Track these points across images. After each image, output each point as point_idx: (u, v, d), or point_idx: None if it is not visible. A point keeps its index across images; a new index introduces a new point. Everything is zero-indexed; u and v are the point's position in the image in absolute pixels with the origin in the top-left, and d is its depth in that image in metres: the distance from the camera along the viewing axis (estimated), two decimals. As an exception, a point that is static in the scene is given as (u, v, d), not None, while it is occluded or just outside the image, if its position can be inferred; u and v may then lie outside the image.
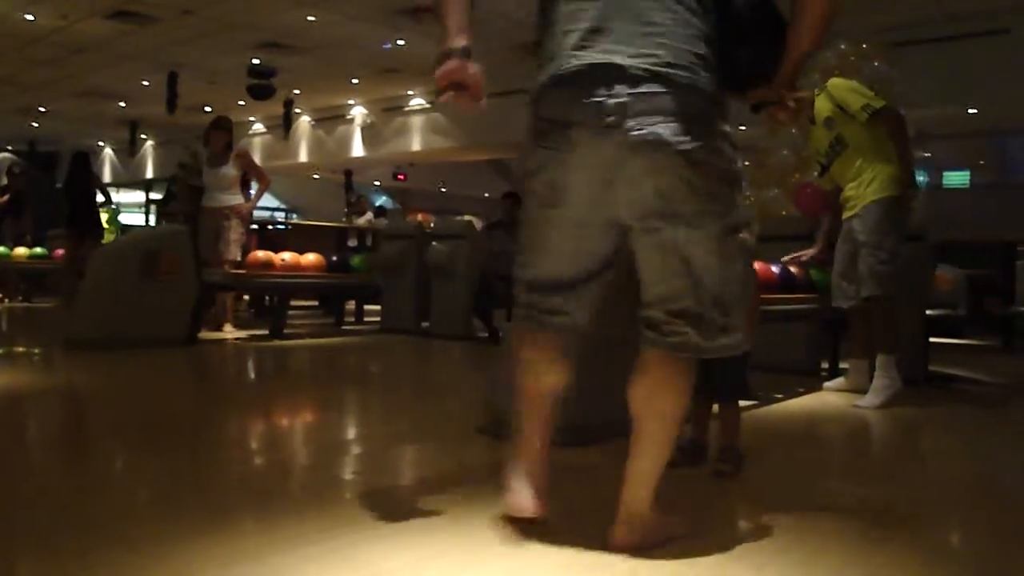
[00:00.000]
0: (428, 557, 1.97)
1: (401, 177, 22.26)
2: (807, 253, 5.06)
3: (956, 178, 16.19)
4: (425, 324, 8.24)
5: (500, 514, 2.23)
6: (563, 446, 3.15)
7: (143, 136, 22.11)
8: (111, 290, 6.16)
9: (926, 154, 12.98)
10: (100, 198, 10.42)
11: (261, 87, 14.96)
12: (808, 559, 2.03)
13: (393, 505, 2.46)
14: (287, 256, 7.37)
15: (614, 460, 3.11)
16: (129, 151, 22.30)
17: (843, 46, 7.13)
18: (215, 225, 7.51)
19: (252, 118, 19.70)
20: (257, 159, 17.83)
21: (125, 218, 22.38)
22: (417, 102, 16.97)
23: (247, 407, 4.39)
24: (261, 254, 7.24)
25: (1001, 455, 3.73)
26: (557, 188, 2.04)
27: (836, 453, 3.77)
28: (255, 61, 14.43)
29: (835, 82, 4.83)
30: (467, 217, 11.67)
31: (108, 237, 11.27)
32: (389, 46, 13.19)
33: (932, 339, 5.74)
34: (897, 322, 4.63)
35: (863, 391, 4.60)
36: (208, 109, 18.20)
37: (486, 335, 7.72)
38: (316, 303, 11.45)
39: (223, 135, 7.76)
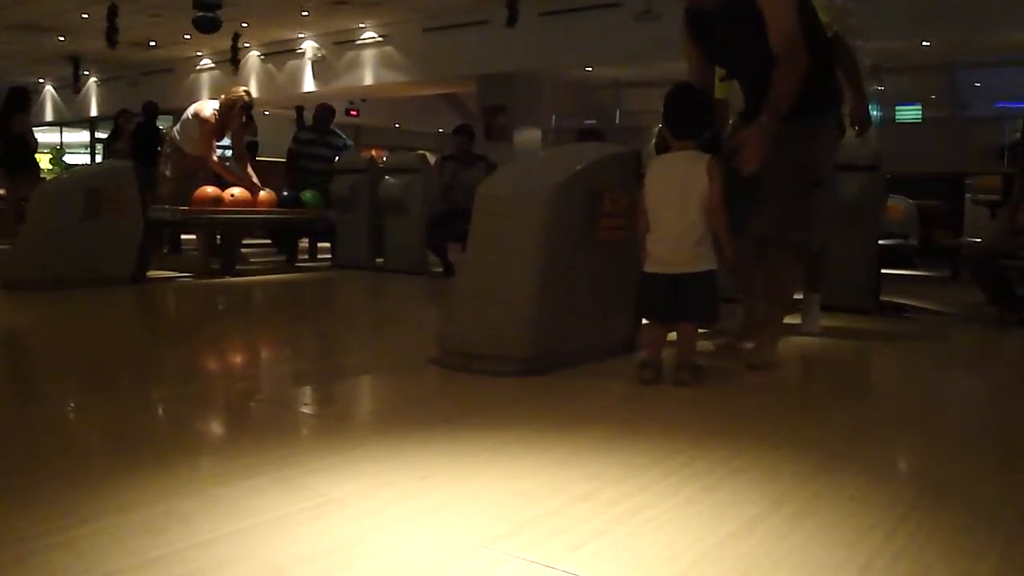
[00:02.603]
0: (376, 485, 1.94)
1: (354, 113, 21.91)
2: None
3: (908, 112, 16.28)
4: (379, 260, 8.16)
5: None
6: (524, 375, 3.16)
7: (86, 72, 21.45)
8: (53, 229, 5.99)
9: (880, 87, 13.02)
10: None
11: (207, 20, 14.50)
12: (762, 479, 2.04)
13: (345, 436, 2.43)
14: (236, 191, 7.21)
15: (572, 386, 3.14)
16: (72, 88, 21.66)
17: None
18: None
19: (199, 52, 19.18)
20: (205, 95, 17.49)
21: (70, 158, 21.82)
22: (369, 35, 16.62)
23: (197, 344, 4.32)
24: (210, 190, 7.07)
25: (941, 380, 3.81)
26: None
27: (792, 377, 3.80)
28: (200, -8, 14.00)
29: None
30: (420, 151, 11.51)
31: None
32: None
33: (884, 270, 5.80)
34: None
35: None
36: (152, 44, 17.69)
37: (441, 269, 7.66)
38: (269, 240, 11.28)
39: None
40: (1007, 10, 10.29)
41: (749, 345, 3.64)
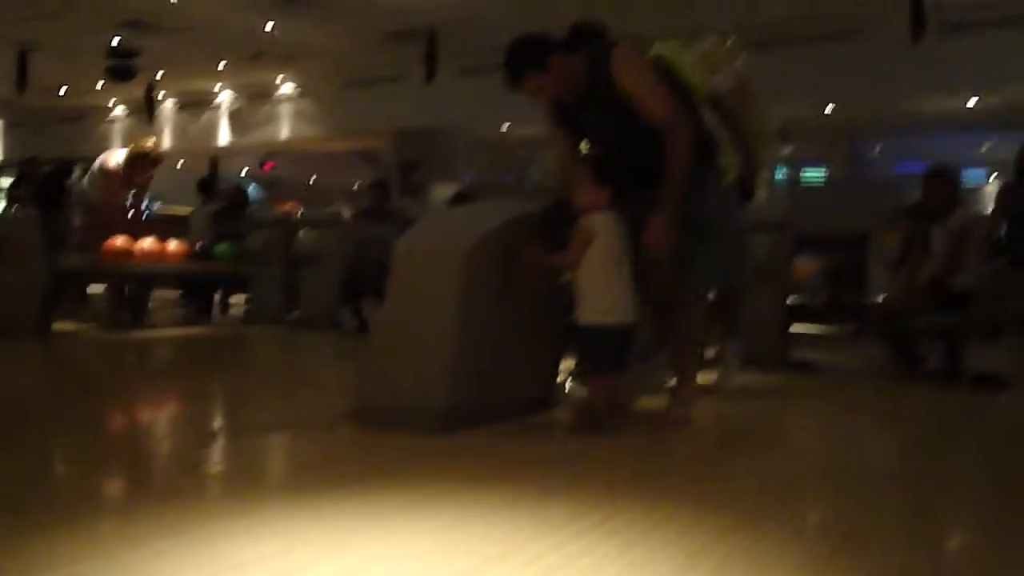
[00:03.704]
0: (290, 546, 1.89)
1: (268, 166, 21.73)
2: None
3: (813, 174, 16.88)
4: (294, 314, 8.04)
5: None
6: (440, 431, 3.12)
7: (-9, 118, 20.88)
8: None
9: (787, 150, 13.48)
10: None
11: (122, 68, 14.28)
12: (678, 535, 2.04)
13: (257, 496, 2.37)
14: (148, 243, 7.05)
15: (488, 443, 3.12)
16: (-23, 133, 21.02)
17: (709, 42, 7.28)
18: None
19: (112, 101, 18.84)
20: (117, 144, 17.14)
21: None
22: (286, 89, 16.57)
23: (103, 400, 4.18)
24: (120, 241, 6.89)
25: (850, 434, 3.90)
26: None
27: (707, 432, 3.84)
28: (115, 41, 13.77)
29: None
30: (335, 206, 11.46)
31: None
32: None
33: (793, 326, 5.95)
34: None
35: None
36: (64, 90, 17.31)
37: (355, 324, 7.58)
38: (180, 292, 11.03)
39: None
40: (906, 79, 10.79)
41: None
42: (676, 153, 3.29)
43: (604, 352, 3.34)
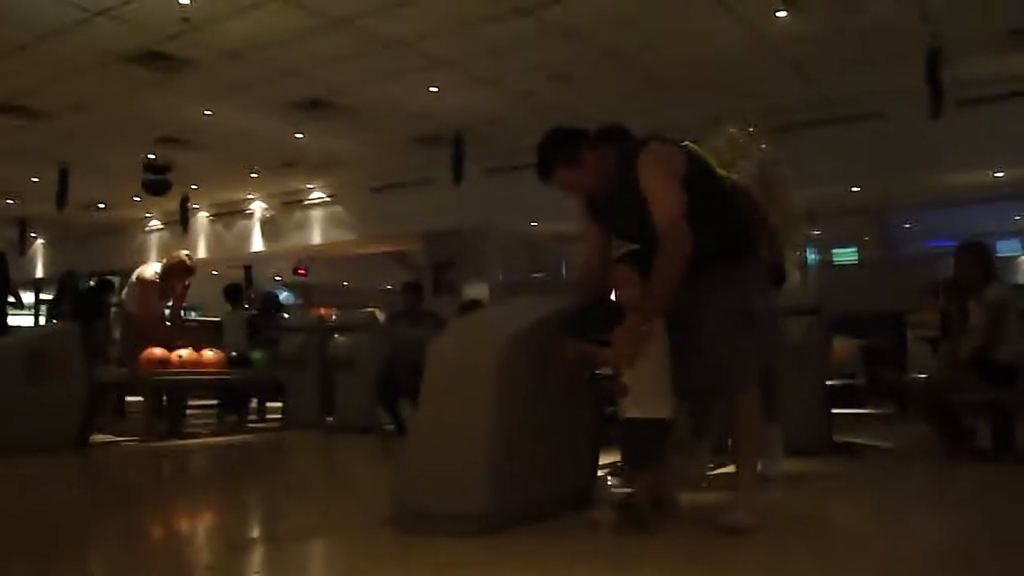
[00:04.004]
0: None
1: (302, 271, 22.02)
2: None
3: (845, 254, 16.80)
4: (330, 419, 8.04)
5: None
6: (479, 533, 3.08)
7: (32, 234, 21.41)
8: (-6, 394, 5.83)
9: (816, 232, 13.48)
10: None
11: (157, 182, 14.66)
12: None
13: (296, 607, 2.33)
14: (185, 353, 7.13)
15: (529, 544, 3.06)
16: (19, 249, 21.54)
17: (732, 129, 7.37)
18: None
19: (148, 214, 19.29)
20: (153, 256, 17.48)
21: (13, 320, 21.45)
22: (317, 195, 16.89)
23: (144, 511, 4.16)
24: (157, 351, 6.99)
25: (902, 522, 3.79)
26: None
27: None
28: (150, 156, 14.18)
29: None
30: (369, 309, 11.55)
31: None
32: None
33: (834, 409, 5.85)
34: None
35: None
36: (102, 206, 17.77)
37: (393, 427, 7.56)
38: (217, 401, 11.10)
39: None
40: (928, 155, 10.81)
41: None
42: (666, 265, 3.19)
43: (652, 446, 3.32)
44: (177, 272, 7.51)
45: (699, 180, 3.37)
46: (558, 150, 3.43)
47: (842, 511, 4.07)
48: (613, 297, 3.48)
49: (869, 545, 3.21)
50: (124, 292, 7.71)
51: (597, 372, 3.53)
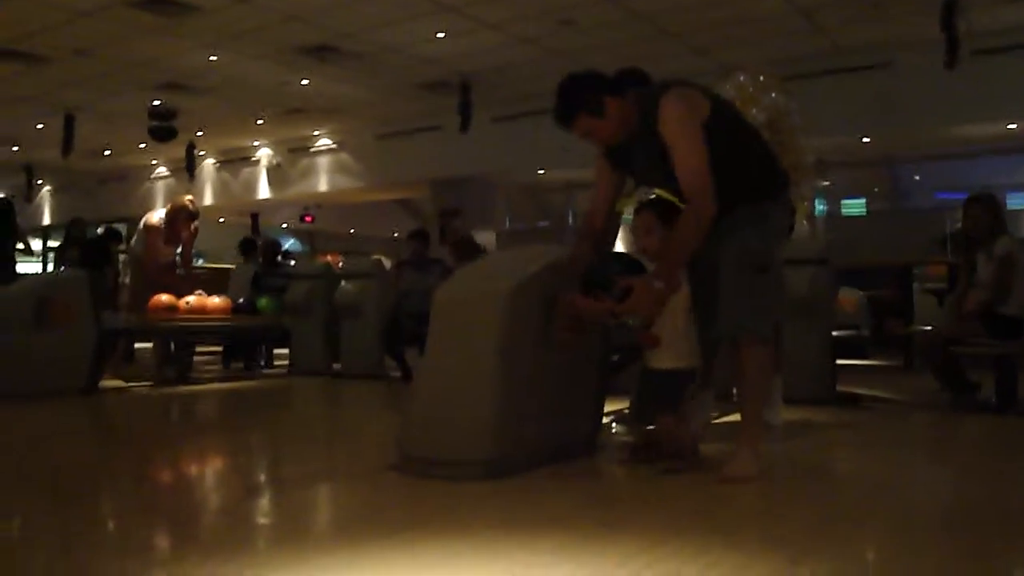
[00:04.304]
0: (339, 600, 1.88)
1: (309, 219, 22.01)
2: None
3: (853, 206, 16.75)
4: (336, 365, 8.09)
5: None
6: (485, 478, 3.11)
7: (39, 181, 21.39)
8: (2, 340, 5.87)
9: (825, 183, 13.40)
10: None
11: (162, 129, 14.60)
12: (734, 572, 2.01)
13: (303, 547, 2.37)
14: (192, 299, 7.16)
15: (534, 488, 3.10)
16: (25, 196, 21.53)
17: (741, 78, 7.30)
18: None
19: (154, 161, 19.24)
20: (160, 203, 17.46)
21: (22, 267, 21.51)
22: (323, 142, 16.81)
23: (151, 455, 4.21)
24: (164, 298, 7.01)
25: (902, 470, 3.81)
26: None
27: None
28: (156, 102, 14.11)
29: None
30: (376, 256, 11.55)
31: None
32: None
33: (838, 360, 5.86)
34: None
35: None
36: (107, 152, 17.72)
37: (399, 374, 7.60)
38: (223, 347, 11.17)
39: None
40: (941, 106, 10.71)
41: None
42: (688, 228, 3.11)
43: (676, 395, 3.36)
44: (181, 216, 7.51)
45: (724, 125, 3.28)
46: (580, 97, 3.30)
47: (844, 461, 4.10)
48: (623, 248, 3.48)
49: (871, 495, 3.23)
50: (133, 240, 7.71)
51: (621, 322, 3.44)
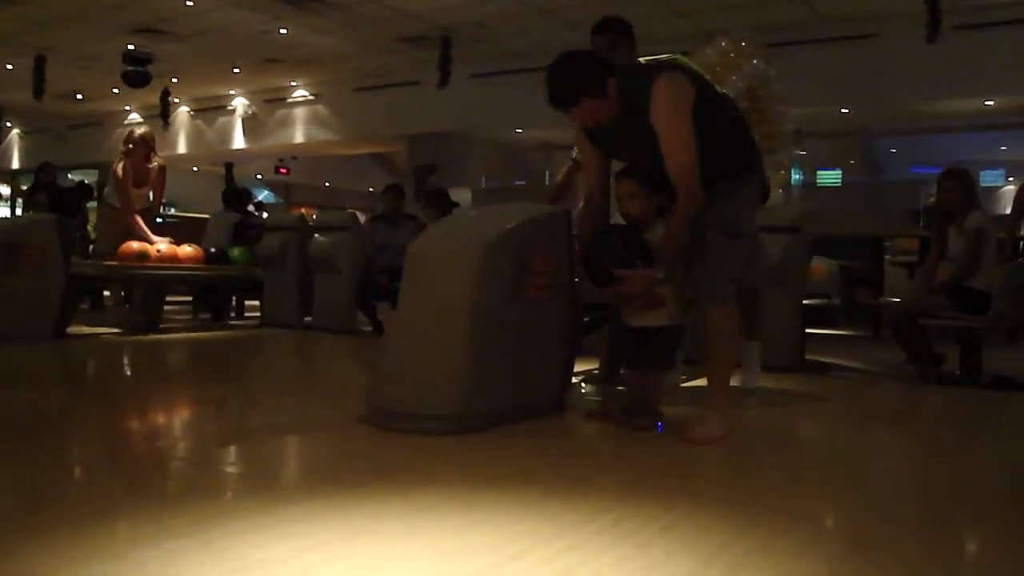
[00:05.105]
0: (303, 548, 1.89)
1: (283, 171, 21.82)
2: None
3: (829, 176, 16.84)
4: (308, 318, 8.06)
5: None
6: (454, 433, 3.13)
7: (8, 124, 21.01)
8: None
9: (802, 152, 13.45)
10: None
11: (136, 74, 14.36)
12: (694, 536, 2.03)
13: (271, 497, 2.37)
14: (163, 247, 7.08)
15: (502, 444, 3.12)
16: (-7, 139, 21.18)
17: (723, 43, 7.27)
18: None
19: (127, 107, 18.95)
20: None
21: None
22: (300, 93, 16.61)
23: (118, 403, 4.19)
24: (136, 245, 6.92)
25: (865, 437, 3.87)
26: None
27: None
28: (130, 47, 13.86)
29: None
30: (350, 210, 11.48)
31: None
32: None
33: (808, 329, 5.92)
34: None
35: None
36: (80, 96, 17.42)
37: (370, 328, 7.60)
38: (192, 297, 11.09)
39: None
40: (921, 80, 10.74)
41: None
42: (685, 218, 3.18)
43: (666, 350, 3.48)
44: (138, 147, 7.14)
45: (705, 108, 3.27)
46: (585, 78, 3.22)
47: (810, 428, 4.15)
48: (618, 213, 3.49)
49: (833, 460, 3.29)
50: (106, 189, 7.54)
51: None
